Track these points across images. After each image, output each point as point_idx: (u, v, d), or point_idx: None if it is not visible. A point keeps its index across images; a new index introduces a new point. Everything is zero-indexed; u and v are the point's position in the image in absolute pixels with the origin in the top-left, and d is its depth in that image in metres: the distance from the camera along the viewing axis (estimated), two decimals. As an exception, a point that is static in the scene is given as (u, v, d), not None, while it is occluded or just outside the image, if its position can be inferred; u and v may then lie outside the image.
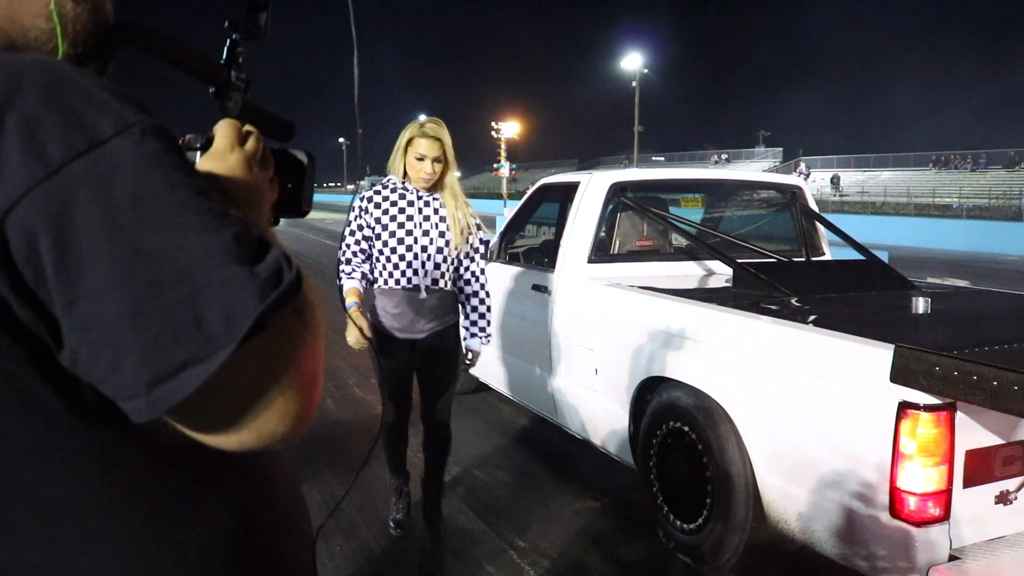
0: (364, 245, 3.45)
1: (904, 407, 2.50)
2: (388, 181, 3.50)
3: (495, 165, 38.77)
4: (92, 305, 0.63)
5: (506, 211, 26.35)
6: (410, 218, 3.41)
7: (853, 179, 58.54)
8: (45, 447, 0.70)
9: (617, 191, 4.58)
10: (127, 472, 0.74)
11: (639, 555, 3.60)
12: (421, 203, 3.44)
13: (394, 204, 3.44)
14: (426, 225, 3.41)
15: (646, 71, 52.45)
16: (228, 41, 1.05)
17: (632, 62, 51.96)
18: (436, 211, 3.45)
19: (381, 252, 3.42)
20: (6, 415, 0.69)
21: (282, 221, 1.16)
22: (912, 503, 2.52)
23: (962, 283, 9.21)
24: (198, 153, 0.96)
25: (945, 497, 2.54)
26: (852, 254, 5.01)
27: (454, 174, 3.48)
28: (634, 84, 50.99)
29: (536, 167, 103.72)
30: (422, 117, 3.45)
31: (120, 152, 0.66)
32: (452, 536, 3.74)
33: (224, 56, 1.04)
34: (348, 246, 3.45)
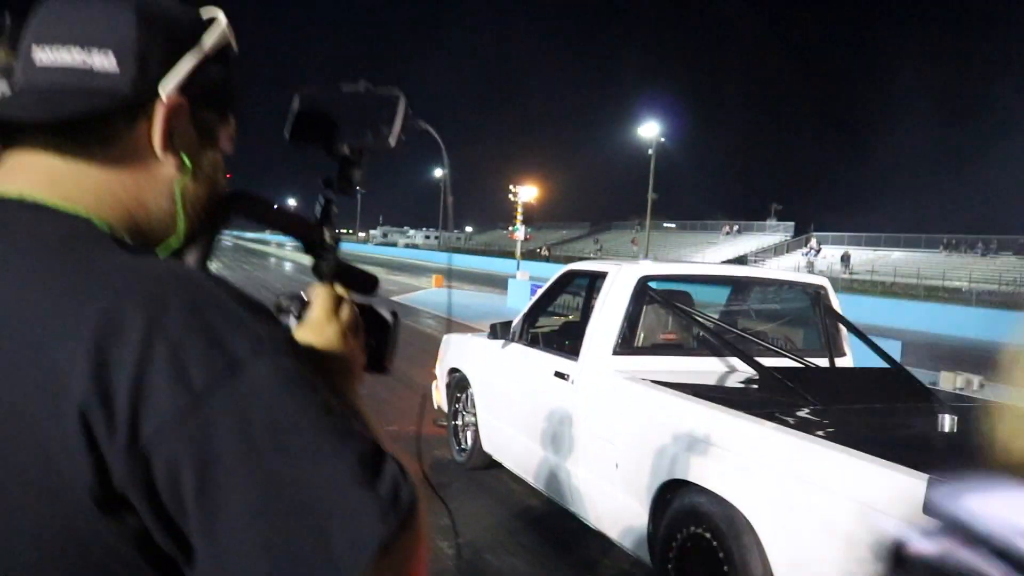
0: None
1: (936, 540, 2.50)
2: None
3: (511, 228, 39.18)
4: (230, 536, 0.65)
5: (519, 274, 26.53)
6: None
7: (864, 257, 58.77)
8: None
9: (644, 284, 4.63)
10: None
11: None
12: None
13: None
14: None
15: (663, 139, 53.14)
16: (322, 199, 1.06)
17: (649, 130, 52.70)
18: None
19: None
20: None
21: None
22: (940, 637, 2.50)
23: (977, 379, 9.19)
24: (292, 319, 0.98)
25: (974, 633, 2.52)
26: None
27: None
28: (650, 152, 51.62)
29: (548, 228, 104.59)
30: None
31: (257, 376, 0.69)
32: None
33: (318, 215, 1.05)
34: None
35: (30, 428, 0.66)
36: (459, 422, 6.25)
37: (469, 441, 6.08)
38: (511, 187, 33.79)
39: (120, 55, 0.80)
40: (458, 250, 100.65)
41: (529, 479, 5.24)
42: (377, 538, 0.66)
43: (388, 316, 1.13)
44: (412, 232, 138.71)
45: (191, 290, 0.72)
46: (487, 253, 72.12)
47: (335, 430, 0.70)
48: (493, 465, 5.92)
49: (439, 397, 6.65)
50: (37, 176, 0.81)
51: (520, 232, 33.04)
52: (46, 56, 0.81)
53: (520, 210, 32.16)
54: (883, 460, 2.80)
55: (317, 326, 0.96)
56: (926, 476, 2.55)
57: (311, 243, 1.04)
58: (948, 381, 8.97)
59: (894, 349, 11.22)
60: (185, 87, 0.84)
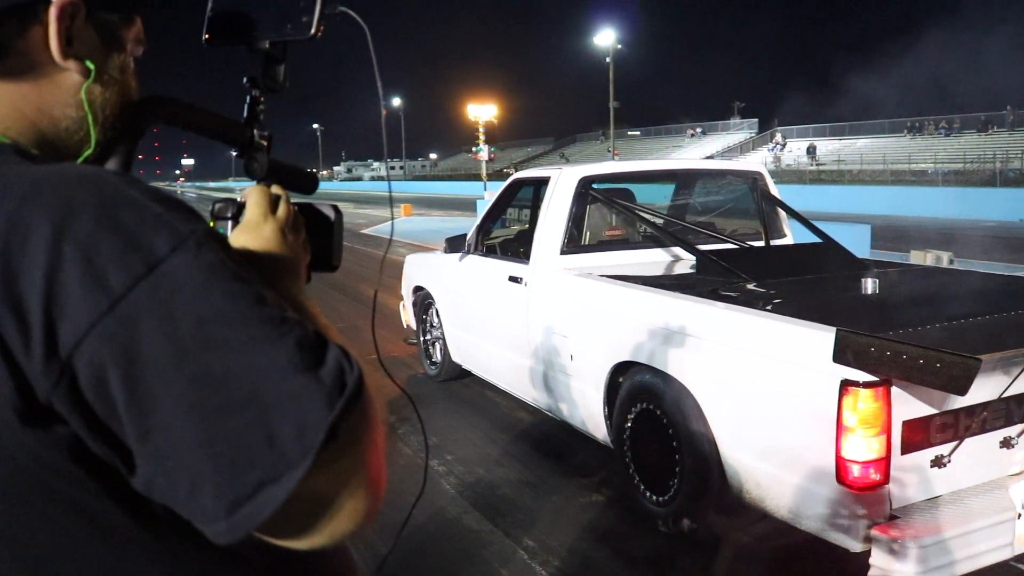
0: None
1: (846, 384, 2.77)
2: None
3: (474, 148, 38.88)
4: (165, 435, 0.63)
5: (486, 194, 26.50)
6: None
7: (829, 147, 58.89)
8: (120, 566, 0.71)
9: (586, 185, 4.82)
10: None
11: (648, 550, 3.66)
12: None
13: None
14: None
15: (619, 46, 52.49)
16: (248, 98, 1.03)
17: (605, 38, 52.02)
18: None
19: None
20: (82, 544, 0.70)
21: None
22: (855, 470, 2.79)
23: (946, 255, 9.54)
24: (229, 224, 0.96)
25: (885, 464, 2.81)
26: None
27: None
28: (608, 60, 51.05)
29: (512, 147, 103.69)
30: None
31: (178, 270, 0.66)
32: (461, 538, 3.79)
33: (245, 115, 1.03)
34: None
35: None
36: (428, 337, 6.48)
37: (439, 355, 6.33)
38: (470, 107, 33.53)
39: None
40: (424, 178, 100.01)
41: (496, 382, 5.51)
42: (324, 424, 0.63)
43: (330, 213, 1.12)
44: (376, 164, 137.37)
45: (100, 189, 0.68)
46: (454, 178, 71.70)
47: (268, 319, 0.67)
48: (464, 375, 6.18)
49: (407, 316, 6.86)
50: None
51: (484, 152, 32.80)
52: None
53: (482, 130, 31.92)
54: (797, 320, 3.06)
55: (253, 226, 0.94)
56: (834, 328, 2.80)
57: (240, 144, 1.03)
58: (918, 259, 9.33)
59: (863, 234, 11.51)
60: None
